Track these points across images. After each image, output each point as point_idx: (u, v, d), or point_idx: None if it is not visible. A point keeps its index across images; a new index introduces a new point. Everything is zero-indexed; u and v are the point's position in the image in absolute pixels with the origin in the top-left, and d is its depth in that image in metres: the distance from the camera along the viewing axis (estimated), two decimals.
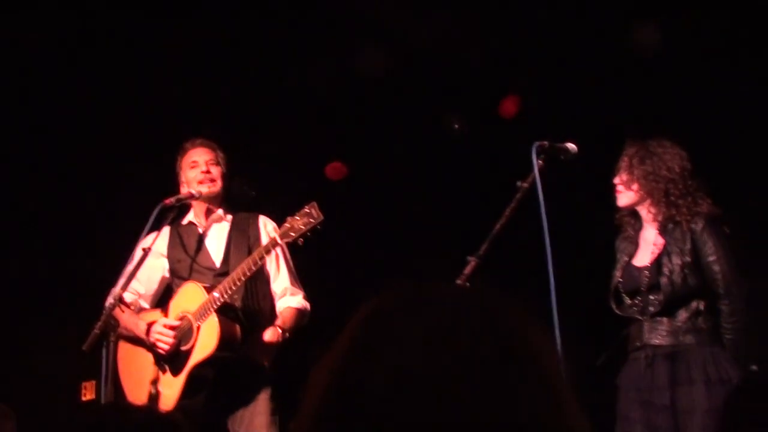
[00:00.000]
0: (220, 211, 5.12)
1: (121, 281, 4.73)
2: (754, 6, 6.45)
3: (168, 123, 6.97)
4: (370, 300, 1.21)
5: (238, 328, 4.79)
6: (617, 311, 4.60)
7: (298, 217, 4.53)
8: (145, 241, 4.87)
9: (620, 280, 4.58)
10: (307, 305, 5.05)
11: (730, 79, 6.77)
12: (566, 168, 4.35)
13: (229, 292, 4.69)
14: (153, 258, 5.02)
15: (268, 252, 4.69)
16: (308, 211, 4.53)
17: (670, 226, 4.47)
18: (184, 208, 5.16)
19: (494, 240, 4.15)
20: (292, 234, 4.53)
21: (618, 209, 4.68)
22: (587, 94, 7.08)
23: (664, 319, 4.41)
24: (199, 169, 5.06)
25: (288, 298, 5.00)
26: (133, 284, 5.00)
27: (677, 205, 4.46)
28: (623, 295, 4.57)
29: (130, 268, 4.77)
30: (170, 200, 4.94)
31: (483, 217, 4.42)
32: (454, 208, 7.84)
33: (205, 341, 4.73)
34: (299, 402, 1.18)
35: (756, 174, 6.41)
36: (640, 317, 4.49)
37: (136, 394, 4.92)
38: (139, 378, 4.95)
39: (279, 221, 4.77)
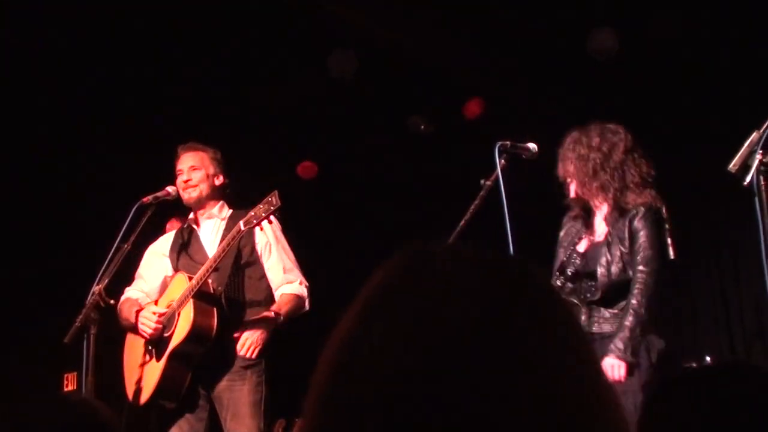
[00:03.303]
0: (214, 209, 5.10)
1: (98, 276, 4.73)
2: (703, 8, 6.49)
3: (146, 123, 6.93)
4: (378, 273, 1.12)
5: (215, 313, 4.76)
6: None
7: (261, 206, 4.57)
8: (155, 244, 5.18)
9: (563, 260, 4.54)
10: (304, 291, 5.02)
11: (684, 79, 6.82)
12: (528, 166, 4.36)
13: (202, 278, 4.70)
14: (156, 258, 5.15)
15: (233, 239, 4.69)
16: (270, 199, 4.56)
17: (615, 214, 4.41)
18: (181, 208, 5.17)
19: (459, 236, 4.15)
20: (254, 221, 4.57)
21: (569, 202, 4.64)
22: (547, 95, 7.11)
23: (602, 308, 4.35)
24: (181, 177, 5.06)
25: (284, 286, 5.00)
26: (139, 283, 5.16)
27: (610, 186, 4.36)
28: (563, 277, 4.52)
29: (110, 264, 4.77)
30: (147, 198, 4.98)
31: (448, 214, 4.42)
32: (420, 205, 7.85)
33: (181, 327, 4.76)
34: (294, 391, 1.13)
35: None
36: (577, 303, 4.45)
37: (132, 380, 4.96)
38: (136, 365, 4.99)
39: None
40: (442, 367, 1.00)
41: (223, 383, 4.81)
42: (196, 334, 4.71)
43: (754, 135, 3.66)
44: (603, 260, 4.34)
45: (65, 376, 7.84)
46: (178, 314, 4.79)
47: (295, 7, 6.52)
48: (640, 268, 4.24)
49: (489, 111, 7.49)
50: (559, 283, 4.47)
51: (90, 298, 4.69)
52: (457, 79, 7.47)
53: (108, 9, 6.20)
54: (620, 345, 4.12)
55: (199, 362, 4.79)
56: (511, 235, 3.99)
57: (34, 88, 6.77)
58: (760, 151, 3.62)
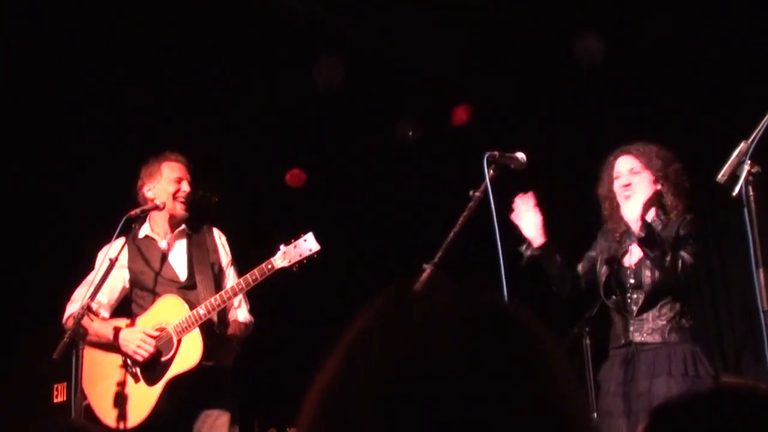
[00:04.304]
0: (184, 225, 5.05)
1: (89, 291, 4.64)
2: (691, 15, 6.48)
3: (129, 133, 6.88)
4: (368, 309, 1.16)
5: (216, 340, 4.78)
6: (607, 303, 4.57)
7: (294, 246, 4.60)
8: (111, 252, 4.79)
9: (608, 276, 4.54)
10: (251, 318, 5.02)
11: (672, 87, 6.81)
12: (516, 176, 4.34)
13: (215, 309, 4.69)
14: (115, 269, 4.88)
15: (262, 275, 4.65)
16: (305, 240, 4.63)
17: (657, 222, 4.44)
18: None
19: (449, 247, 4.13)
20: (287, 262, 4.61)
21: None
22: (535, 104, 7.09)
23: (649, 317, 4.37)
24: (181, 187, 4.98)
25: (237, 310, 4.98)
26: (101, 296, 4.92)
27: (668, 203, 4.47)
28: (610, 290, 4.53)
29: (94, 277, 4.69)
30: (135, 212, 4.88)
31: (437, 225, 4.39)
32: (409, 215, 7.82)
33: (188, 354, 4.69)
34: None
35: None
36: (624, 314, 4.45)
37: (107, 401, 4.81)
38: (108, 384, 4.85)
39: (239, 227, 4.76)
40: (421, 414, 1.03)
41: (199, 401, 4.77)
42: (205, 360, 4.68)
43: (743, 145, 3.63)
44: (647, 271, 4.36)
45: (55, 386, 7.79)
46: (179, 340, 4.72)
47: (282, 14, 6.49)
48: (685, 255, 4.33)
49: (476, 118, 7.47)
50: (608, 299, 4.48)
51: (78, 313, 4.63)
52: (445, 86, 7.45)
53: (100, 15, 6.15)
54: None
55: (190, 385, 4.75)
56: (501, 246, 3.97)
57: (29, 95, 6.72)
58: (749, 162, 3.60)
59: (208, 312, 4.66)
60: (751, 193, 3.60)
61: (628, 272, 4.48)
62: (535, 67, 6.99)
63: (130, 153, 5.62)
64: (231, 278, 4.98)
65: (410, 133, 7.82)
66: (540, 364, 1.11)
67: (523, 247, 4.54)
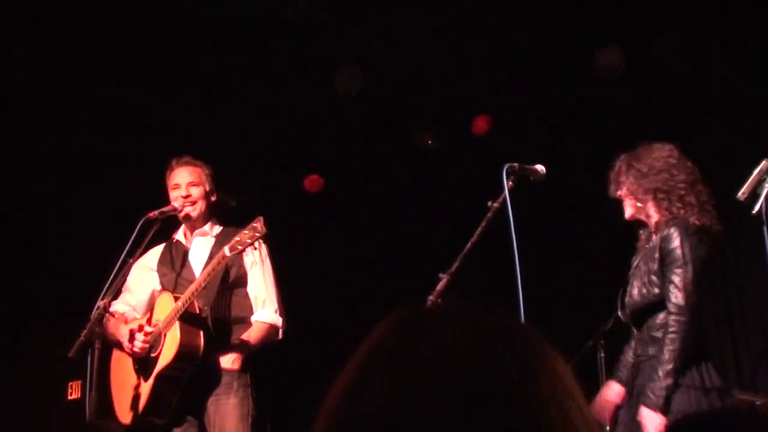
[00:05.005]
0: (206, 227, 5.08)
1: (104, 291, 4.70)
2: (711, 30, 6.46)
3: (153, 136, 6.91)
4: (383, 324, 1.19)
5: (201, 334, 4.74)
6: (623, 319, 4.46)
7: (246, 231, 4.55)
8: (145, 256, 4.99)
9: (622, 290, 4.46)
10: (279, 320, 4.96)
11: (692, 102, 6.79)
12: (535, 189, 4.32)
13: (188, 301, 4.68)
14: (144, 272, 5.07)
15: (218, 264, 4.66)
16: (255, 225, 4.55)
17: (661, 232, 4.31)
18: (171, 221, 5.11)
19: (465, 258, 4.11)
20: (239, 247, 4.54)
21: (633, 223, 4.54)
22: (556, 116, 7.08)
23: (644, 329, 4.25)
24: (179, 193, 5.02)
25: (260, 311, 4.94)
26: (126, 296, 5.10)
27: (666, 206, 4.17)
28: (621, 304, 4.46)
29: (115, 279, 4.74)
30: (154, 213, 4.91)
31: (454, 235, 4.38)
32: (427, 224, 7.82)
33: (168, 349, 4.73)
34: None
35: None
36: (634, 328, 4.37)
37: (121, 398, 4.92)
38: (124, 383, 4.95)
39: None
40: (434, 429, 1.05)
41: (211, 399, 4.78)
42: (183, 355, 4.68)
43: (764, 163, 3.63)
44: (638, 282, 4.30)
45: (70, 384, 7.83)
46: (164, 335, 4.76)
47: (304, 22, 6.50)
48: (673, 303, 4.09)
49: (496, 129, 7.46)
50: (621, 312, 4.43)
51: (95, 312, 4.66)
52: (465, 96, 7.45)
53: (116, 22, 6.18)
54: (653, 393, 4.01)
55: (187, 383, 4.76)
56: (518, 258, 3.95)
57: (34, 99, 6.76)
58: None
59: (183, 304, 4.67)
60: None
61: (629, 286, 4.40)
62: (557, 79, 6.97)
63: (149, 156, 5.65)
64: (253, 278, 4.98)
65: (429, 142, 7.81)
66: (549, 387, 1.12)
67: None
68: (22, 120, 6.89)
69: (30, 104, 6.76)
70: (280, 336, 4.98)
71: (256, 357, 4.92)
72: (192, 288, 4.71)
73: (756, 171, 3.63)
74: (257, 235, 4.52)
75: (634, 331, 4.35)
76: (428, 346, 1.12)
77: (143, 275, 5.10)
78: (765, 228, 3.58)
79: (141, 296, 5.12)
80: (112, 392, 5.01)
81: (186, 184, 5.05)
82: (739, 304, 6.70)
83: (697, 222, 4.08)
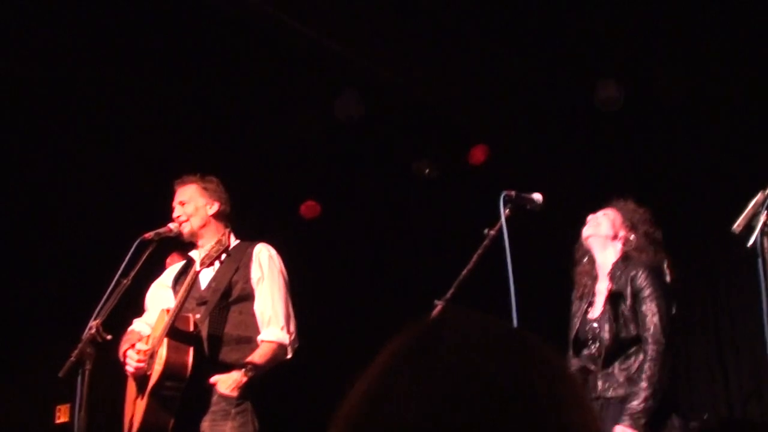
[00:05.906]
0: (214, 241, 4.96)
1: (97, 311, 4.66)
2: (709, 61, 6.49)
3: (151, 160, 6.92)
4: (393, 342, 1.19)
5: (190, 351, 4.64)
6: (576, 362, 4.52)
7: (214, 245, 4.59)
8: (162, 275, 5.09)
9: (576, 331, 4.53)
10: (285, 338, 4.80)
11: (689, 134, 6.81)
12: (532, 217, 4.33)
13: (173, 317, 4.62)
14: (162, 290, 5.06)
15: (191, 280, 4.67)
16: (221, 238, 4.62)
17: (618, 273, 4.42)
18: (165, 242, 5.10)
19: (461, 284, 4.11)
20: (207, 261, 4.57)
21: (575, 259, 4.65)
22: (554, 146, 7.10)
23: (616, 370, 4.33)
24: (174, 213, 5.01)
25: (265, 330, 4.81)
26: (146, 315, 5.08)
27: (630, 255, 4.44)
28: (580, 346, 4.50)
29: (108, 299, 4.70)
30: (149, 235, 4.87)
31: (451, 262, 4.38)
32: (423, 251, 7.82)
33: (156, 366, 4.67)
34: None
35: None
36: (593, 368, 4.41)
37: (126, 418, 4.89)
38: (130, 403, 4.91)
39: None
40: None
41: (206, 423, 4.66)
42: (169, 372, 4.59)
43: (760, 195, 3.62)
44: (606, 322, 4.34)
45: (57, 407, 7.78)
46: (156, 353, 4.70)
47: (303, 48, 6.53)
48: (648, 340, 4.24)
49: (494, 158, 7.48)
50: (576, 350, 4.46)
51: (86, 333, 4.61)
52: (464, 126, 7.48)
53: (116, 49, 6.21)
54: (633, 413, 4.10)
55: (182, 403, 4.66)
56: (514, 286, 3.95)
57: (36, 115, 6.76)
58: (765, 212, 3.59)
59: (170, 320, 4.62)
60: (766, 244, 3.59)
61: (592, 325, 4.46)
62: (554, 109, 7.00)
63: (147, 178, 5.66)
64: (260, 295, 4.87)
65: (427, 171, 7.83)
66: (565, 398, 1.12)
67: None
68: (19, 139, 6.89)
69: (28, 121, 6.77)
70: (290, 355, 4.83)
71: (261, 380, 4.73)
72: (177, 303, 4.66)
73: (751, 204, 3.62)
74: (221, 248, 4.53)
75: (591, 367, 4.36)
76: (451, 352, 1.12)
77: (161, 293, 5.06)
78: (760, 261, 3.57)
79: (153, 316, 5.06)
80: (125, 411, 4.95)
81: (177, 204, 5.04)
82: (730, 340, 6.70)
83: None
